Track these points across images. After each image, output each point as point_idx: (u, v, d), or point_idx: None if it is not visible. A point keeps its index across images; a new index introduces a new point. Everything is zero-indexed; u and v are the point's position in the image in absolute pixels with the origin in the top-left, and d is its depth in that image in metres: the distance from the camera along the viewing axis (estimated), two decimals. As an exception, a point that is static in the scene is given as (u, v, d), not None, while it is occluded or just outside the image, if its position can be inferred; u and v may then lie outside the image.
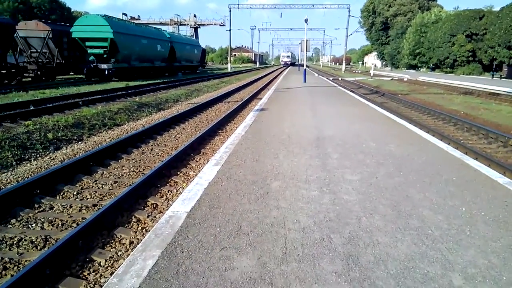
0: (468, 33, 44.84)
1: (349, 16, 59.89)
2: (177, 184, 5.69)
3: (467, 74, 43.33)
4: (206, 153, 7.61)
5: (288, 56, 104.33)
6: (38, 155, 7.35)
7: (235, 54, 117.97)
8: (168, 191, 5.37)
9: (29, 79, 22.38)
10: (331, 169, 5.01)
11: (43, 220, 4.43)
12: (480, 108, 15.24)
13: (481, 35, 43.21)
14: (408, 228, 3.28)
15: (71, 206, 4.82)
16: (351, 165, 5.21)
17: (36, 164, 6.69)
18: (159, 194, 5.26)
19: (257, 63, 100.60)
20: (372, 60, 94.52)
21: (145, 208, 4.77)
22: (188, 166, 6.69)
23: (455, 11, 53.67)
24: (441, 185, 4.44)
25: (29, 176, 5.85)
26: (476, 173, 5.00)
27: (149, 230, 3.39)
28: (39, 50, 22.74)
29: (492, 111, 14.23)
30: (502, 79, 35.73)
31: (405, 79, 35.07)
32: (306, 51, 26.78)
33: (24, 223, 4.35)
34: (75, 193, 5.27)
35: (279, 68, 74.23)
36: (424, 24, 55.11)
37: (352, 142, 6.69)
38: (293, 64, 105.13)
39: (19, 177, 5.91)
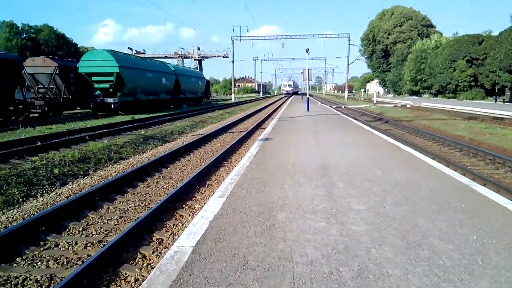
0: (468, 58, 45.35)
1: (349, 44, 61.05)
2: (182, 218, 5.65)
3: (470, 99, 43.49)
4: (211, 185, 7.59)
5: (290, 85, 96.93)
6: (44, 191, 7.37)
7: (238, 85, 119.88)
8: (174, 225, 5.32)
9: (37, 114, 22.75)
10: (337, 199, 4.96)
11: (48, 258, 4.39)
12: (485, 133, 15.19)
13: (481, 60, 43.66)
14: (419, 259, 3.20)
15: (76, 243, 4.78)
16: (357, 194, 5.16)
17: (42, 201, 6.70)
18: (164, 228, 5.22)
19: (261, 93, 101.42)
20: (374, 87, 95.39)
21: (151, 244, 4.72)
22: (194, 198, 6.66)
23: (454, 37, 54.52)
24: (450, 213, 4.37)
25: (35, 213, 5.85)
26: (484, 199, 4.92)
27: (154, 267, 3.33)
28: (46, 86, 23.25)
29: (497, 136, 14.17)
30: (506, 103, 35.82)
31: (408, 106, 35.25)
32: (308, 80, 27.16)
33: (29, 262, 4.31)
34: (80, 229, 5.24)
35: (282, 98, 75.06)
36: (424, 50, 55.89)
37: (357, 170, 6.65)
38: (295, 93, 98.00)
39: (25, 214, 5.91)
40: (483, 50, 43.19)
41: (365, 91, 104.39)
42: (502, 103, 35.60)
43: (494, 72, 38.13)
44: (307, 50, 24.96)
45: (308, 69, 26.16)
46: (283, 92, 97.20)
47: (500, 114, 22.05)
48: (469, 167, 9.22)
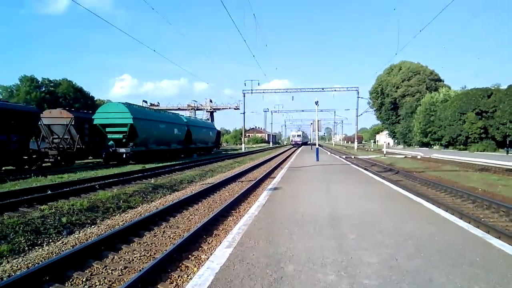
0: (477, 111, 45.61)
1: (358, 97, 62.19)
2: (188, 269, 5.50)
3: (481, 151, 43.15)
4: (218, 235, 7.46)
5: (299, 135, 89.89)
6: (50, 240, 7.31)
7: (249, 135, 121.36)
8: (179, 276, 5.18)
9: (49, 164, 23.12)
10: (348, 251, 4.82)
11: (49, 309, 4.27)
12: (498, 184, 14.90)
13: (491, 112, 43.87)
14: (434, 316, 3.04)
15: (78, 294, 4.66)
16: (369, 247, 5.01)
17: (48, 249, 6.62)
18: (169, 280, 5.07)
19: (270, 143, 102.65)
20: (383, 138, 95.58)
21: (154, 296, 4.57)
22: (200, 249, 6.53)
23: (462, 90, 55.27)
24: (465, 266, 4.19)
25: (40, 262, 5.77)
26: (500, 253, 4.73)
27: (157, 320, 3.21)
28: (61, 136, 23.85)
29: (510, 187, 13.88)
30: (517, 154, 35.42)
31: (419, 157, 35.04)
32: (318, 131, 27.43)
33: (29, 313, 4.19)
34: (84, 279, 5.13)
35: (291, 148, 75.28)
36: (433, 103, 56.51)
37: (369, 222, 6.51)
38: (305, 143, 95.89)
39: (29, 263, 5.83)
40: (493, 103, 43.52)
41: (374, 142, 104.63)
42: (514, 154, 35.21)
43: (504, 124, 38.17)
44: (316, 103, 25.43)
45: (318, 120, 26.51)
46: (292, 143, 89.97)
47: (513, 166, 21.73)
48: (483, 219, 8.96)
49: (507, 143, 39.49)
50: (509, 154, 35.53)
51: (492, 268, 4.17)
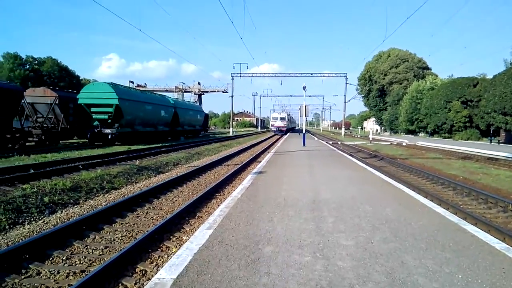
0: (463, 99, 46.19)
1: (346, 84, 62.19)
2: (168, 249, 5.56)
3: (465, 139, 43.90)
4: (201, 217, 7.52)
5: (282, 118, 61.47)
6: (32, 219, 7.27)
7: (237, 119, 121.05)
8: (159, 256, 5.23)
9: (33, 143, 22.77)
10: (325, 234, 4.92)
11: (28, 286, 4.30)
12: (479, 172, 15.24)
13: (476, 101, 44.47)
14: (402, 297, 3.15)
15: (58, 272, 4.69)
16: (346, 229, 5.12)
17: (29, 228, 6.59)
18: (149, 260, 5.12)
19: (259, 127, 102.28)
20: (371, 125, 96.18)
21: (133, 275, 4.62)
22: (182, 230, 6.58)
23: (449, 79, 55.78)
24: (438, 251, 4.33)
25: (20, 241, 5.75)
26: (473, 238, 4.89)
27: (134, 298, 3.26)
28: (45, 116, 23.45)
29: (491, 176, 14.21)
30: (500, 144, 36.15)
31: (404, 144, 35.52)
32: (306, 116, 27.49)
33: (7, 290, 4.21)
34: (64, 258, 5.14)
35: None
36: (419, 91, 56.99)
37: (348, 206, 6.63)
38: (291, 129, 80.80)
39: (9, 241, 5.81)
40: (478, 92, 44.08)
41: (362, 128, 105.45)
42: (497, 144, 35.93)
43: (488, 113, 38.74)
44: (304, 88, 25.44)
45: (305, 106, 26.53)
46: (272, 129, 62.55)
47: (494, 155, 22.24)
48: (461, 206, 9.19)
49: (491, 132, 40.21)
50: (492, 143, 36.24)
51: (464, 252, 4.31)
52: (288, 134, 53.00)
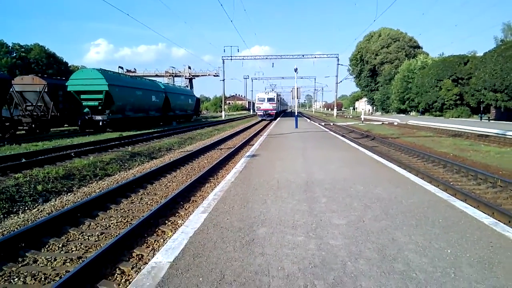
0: (454, 77, 46.35)
1: (338, 64, 62.14)
2: (164, 234, 5.63)
3: (456, 117, 44.30)
4: (196, 201, 7.58)
5: (271, 99, 47.89)
6: (26, 208, 7.29)
7: (229, 103, 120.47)
8: (155, 241, 5.30)
9: (23, 132, 22.55)
10: (318, 214, 5.01)
11: (26, 274, 4.34)
12: (469, 150, 15.46)
13: (466, 79, 44.66)
14: (393, 272, 3.25)
15: (55, 259, 4.74)
16: (338, 209, 5.21)
17: (23, 217, 6.62)
18: (145, 244, 5.19)
19: (251, 110, 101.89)
20: (363, 105, 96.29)
21: (130, 259, 4.69)
22: (177, 214, 6.65)
23: (440, 57, 55.81)
24: (427, 227, 4.44)
25: (15, 230, 5.78)
26: (462, 214, 5.01)
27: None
28: (34, 104, 23.17)
29: (481, 153, 14.44)
30: (491, 121, 36.54)
31: (395, 123, 35.78)
32: (298, 98, 27.47)
33: (6, 278, 4.27)
34: (60, 245, 5.19)
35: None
36: (411, 70, 57.04)
37: (340, 186, 6.72)
38: (282, 112, 72.87)
39: (4, 230, 5.84)
40: (469, 70, 44.23)
41: (354, 109, 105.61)
42: (487, 121, 36.31)
43: (479, 91, 38.99)
44: (295, 70, 25.33)
45: (297, 88, 26.47)
46: (259, 114, 49.72)
47: (485, 132, 22.51)
48: (451, 183, 9.35)
49: (481, 109, 40.56)
50: (482, 120, 36.62)
51: (453, 228, 4.42)
52: (278, 118, 45.62)
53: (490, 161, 12.65)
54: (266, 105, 46.60)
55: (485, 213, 5.44)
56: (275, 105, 47.10)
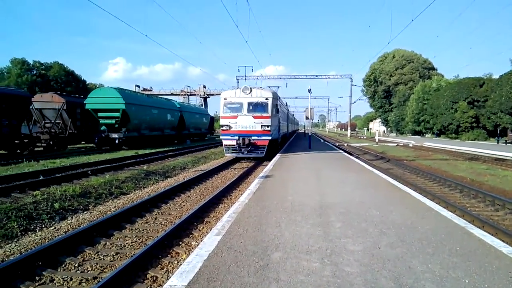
0: (469, 100, 45.97)
1: (351, 85, 62.03)
2: (178, 255, 5.65)
3: (472, 140, 43.66)
4: (209, 222, 7.60)
5: (261, 108, 18.65)
6: (43, 226, 7.41)
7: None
8: (169, 262, 5.32)
9: (41, 148, 23.06)
10: (333, 239, 4.98)
11: (42, 293, 4.40)
12: (486, 174, 15.19)
13: (482, 101, 44.24)
14: (410, 303, 3.20)
15: (71, 279, 4.79)
16: (353, 235, 5.17)
17: (40, 235, 6.73)
18: (159, 265, 5.22)
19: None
20: (377, 126, 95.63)
21: (145, 281, 4.71)
22: (191, 235, 6.67)
23: (455, 79, 55.50)
24: (445, 255, 4.37)
25: (33, 248, 5.87)
26: (480, 242, 4.92)
27: (146, 305, 3.35)
28: (52, 121, 23.77)
29: (498, 177, 14.17)
30: (508, 144, 35.89)
31: (411, 145, 35.41)
32: (312, 118, 27.51)
33: (22, 297, 4.32)
34: (76, 264, 5.25)
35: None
36: (426, 91, 56.76)
37: (355, 210, 6.67)
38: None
39: (22, 248, 5.93)
40: (484, 93, 43.86)
41: (368, 129, 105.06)
42: (504, 144, 35.69)
43: (495, 114, 38.54)
44: (309, 90, 25.39)
45: (311, 108, 26.53)
46: (225, 145, 19.00)
47: (502, 155, 22.10)
48: (468, 209, 9.19)
49: (498, 132, 39.95)
50: (499, 144, 36.01)
51: (471, 257, 4.34)
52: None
53: (508, 186, 12.40)
54: (245, 121, 18.78)
55: (503, 241, 5.34)
56: (268, 121, 18.85)
